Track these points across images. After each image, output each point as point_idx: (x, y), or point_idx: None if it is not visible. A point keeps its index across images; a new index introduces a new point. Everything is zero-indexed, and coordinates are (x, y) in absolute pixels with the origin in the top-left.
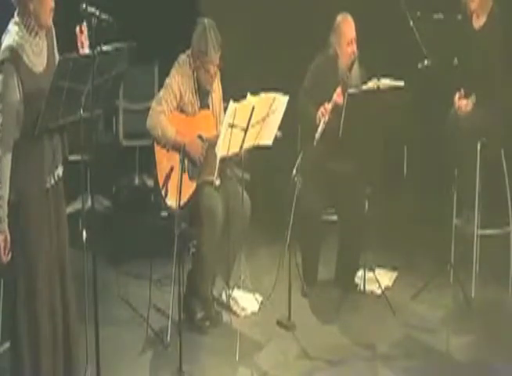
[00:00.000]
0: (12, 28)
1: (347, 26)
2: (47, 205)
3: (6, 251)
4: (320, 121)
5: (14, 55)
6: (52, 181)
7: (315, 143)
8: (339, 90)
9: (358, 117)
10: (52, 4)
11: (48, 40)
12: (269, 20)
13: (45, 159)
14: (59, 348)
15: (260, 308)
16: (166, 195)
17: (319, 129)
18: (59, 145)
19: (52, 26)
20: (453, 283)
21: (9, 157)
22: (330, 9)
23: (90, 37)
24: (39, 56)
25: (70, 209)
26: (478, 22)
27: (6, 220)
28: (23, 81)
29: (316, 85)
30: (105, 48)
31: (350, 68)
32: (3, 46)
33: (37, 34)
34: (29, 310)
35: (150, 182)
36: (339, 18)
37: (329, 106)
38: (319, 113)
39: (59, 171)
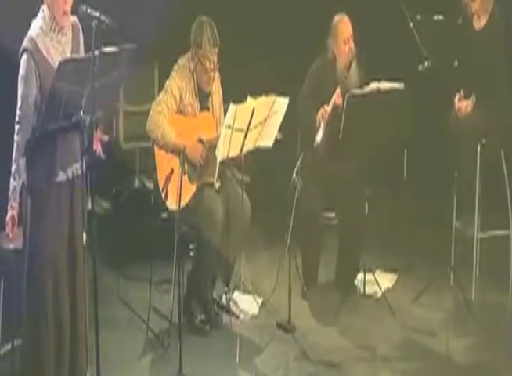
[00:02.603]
0: (37, 21)
1: (343, 25)
2: (57, 199)
3: (13, 230)
4: (320, 124)
5: (33, 45)
6: (65, 176)
7: (315, 146)
8: (338, 91)
9: (358, 119)
10: (65, 7)
11: (74, 41)
12: (270, 22)
13: (57, 152)
14: (64, 350)
15: (260, 310)
16: (166, 197)
17: (320, 132)
18: (76, 140)
19: (80, 30)
20: (453, 286)
21: (25, 140)
22: (331, 10)
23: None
24: (61, 53)
25: None
26: (479, 23)
27: (18, 200)
28: (41, 72)
29: (315, 89)
30: (105, 50)
31: (348, 68)
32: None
33: (59, 31)
34: (32, 306)
35: (150, 185)
36: (336, 18)
37: (328, 108)
38: (319, 115)
39: (76, 167)
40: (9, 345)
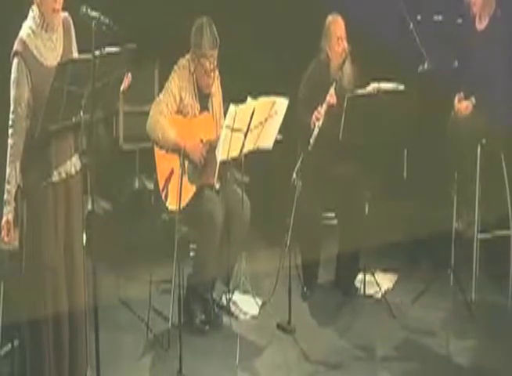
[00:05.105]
0: (28, 21)
1: (336, 25)
2: (53, 200)
3: (9, 234)
4: (315, 126)
5: (23, 47)
6: (58, 176)
7: (309, 148)
8: (332, 91)
9: (358, 120)
10: (55, 5)
11: (66, 37)
12: (271, 22)
13: (52, 153)
14: (64, 350)
15: (260, 311)
16: (166, 198)
17: (314, 134)
18: (70, 139)
19: (71, 24)
20: (453, 287)
21: (20, 144)
22: (332, 10)
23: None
24: (53, 50)
25: None
26: (481, 24)
27: (13, 204)
28: (32, 74)
29: (311, 93)
30: (105, 50)
31: (341, 67)
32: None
33: (49, 29)
34: (31, 306)
35: (150, 185)
36: (329, 19)
37: (322, 109)
38: (313, 117)
39: (71, 166)
40: (9, 345)
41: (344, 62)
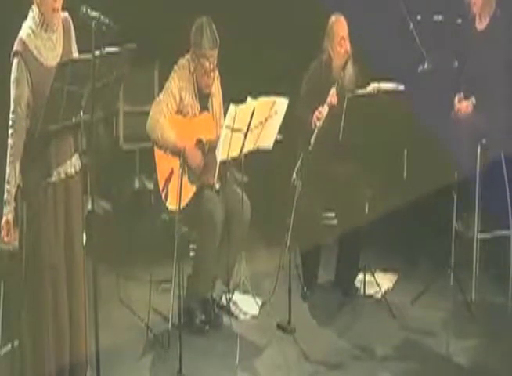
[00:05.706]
0: (27, 21)
1: (338, 25)
2: (52, 200)
3: (9, 234)
4: (316, 126)
5: (23, 47)
6: (58, 176)
7: (310, 148)
8: (333, 91)
9: (358, 120)
10: (55, 5)
11: (66, 37)
12: (272, 22)
13: (52, 153)
14: (64, 351)
15: (260, 311)
16: (166, 198)
17: (314, 134)
18: (69, 139)
19: (71, 24)
20: (453, 287)
21: (20, 144)
22: (332, 10)
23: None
24: (52, 50)
25: None
26: (481, 24)
27: (13, 204)
28: (32, 74)
29: (312, 92)
30: (105, 51)
31: (343, 67)
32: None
33: (49, 29)
34: (31, 306)
35: (150, 185)
36: (332, 19)
37: (324, 109)
38: (314, 117)
39: (71, 166)
40: (9, 345)
41: (346, 62)
